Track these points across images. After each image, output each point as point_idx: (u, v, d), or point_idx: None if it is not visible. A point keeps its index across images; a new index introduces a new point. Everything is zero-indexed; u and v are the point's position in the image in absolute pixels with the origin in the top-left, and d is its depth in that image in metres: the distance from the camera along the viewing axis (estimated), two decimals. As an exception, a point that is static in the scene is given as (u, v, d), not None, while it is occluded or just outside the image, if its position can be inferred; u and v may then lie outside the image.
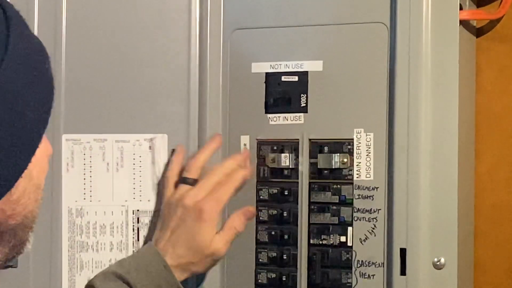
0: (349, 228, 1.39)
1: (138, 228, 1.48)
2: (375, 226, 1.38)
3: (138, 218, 1.48)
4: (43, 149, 0.95)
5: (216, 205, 1.36)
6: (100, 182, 1.47)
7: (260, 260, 1.44)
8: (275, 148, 1.44)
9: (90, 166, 1.46)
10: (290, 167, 1.42)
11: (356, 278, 1.38)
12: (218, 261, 1.39)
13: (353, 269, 1.38)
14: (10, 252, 0.97)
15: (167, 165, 1.45)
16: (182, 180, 1.40)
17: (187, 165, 1.41)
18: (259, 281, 1.44)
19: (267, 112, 1.44)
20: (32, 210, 0.96)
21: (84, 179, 1.46)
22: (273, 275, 1.43)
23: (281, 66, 1.43)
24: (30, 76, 0.90)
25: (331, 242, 1.40)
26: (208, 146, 1.43)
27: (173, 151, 1.45)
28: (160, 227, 1.40)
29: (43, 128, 0.92)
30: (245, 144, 1.46)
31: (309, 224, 1.41)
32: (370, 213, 1.38)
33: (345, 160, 1.39)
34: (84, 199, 1.47)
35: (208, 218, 1.35)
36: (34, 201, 0.95)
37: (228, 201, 1.37)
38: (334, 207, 1.39)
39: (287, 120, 1.43)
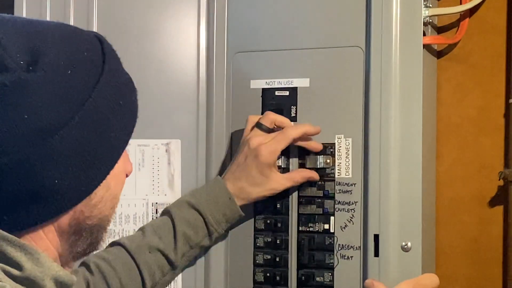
0: (332, 218, 1.38)
1: (156, 218, 1.46)
2: (353, 215, 1.37)
3: (156, 210, 1.48)
4: (122, 166, 0.98)
5: (271, 153, 1.35)
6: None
7: (258, 244, 1.43)
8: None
9: (117, 166, 1.46)
10: (283, 166, 1.41)
11: (338, 259, 1.38)
12: (274, 193, 1.38)
13: (335, 251, 1.38)
14: (87, 248, 1.00)
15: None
16: (257, 124, 1.39)
17: (265, 114, 1.39)
18: (257, 261, 1.43)
19: None
20: (108, 215, 0.99)
21: None
22: (268, 257, 1.42)
23: (275, 83, 1.43)
24: (117, 104, 0.93)
25: (317, 229, 1.39)
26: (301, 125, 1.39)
27: None
28: (232, 160, 1.40)
29: (122, 148, 0.96)
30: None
31: (298, 214, 1.41)
32: (349, 205, 1.37)
33: (328, 161, 1.38)
34: (112, 193, 1.46)
35: (263, 162, 1.35)
36: (110, 208, 0.98)
37: (281, 151, 1.36)
38: (319, 200, 1.39)
39: (280, 128, 1.41)
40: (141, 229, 1.38)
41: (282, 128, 1.37)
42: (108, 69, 0.93)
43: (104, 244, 1.06)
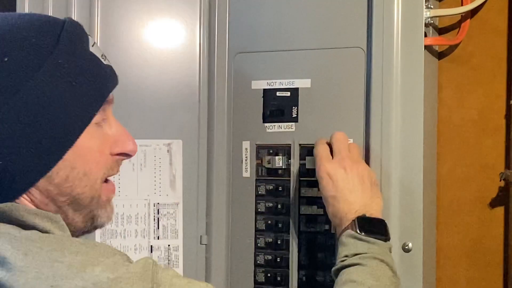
0: (333, 218, 1.38)
1: (158, 218, 1.47)
2: (354, 216, 1.36)
3: (158, 210, 1.48)
4: (92, 144, 0.99)
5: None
6: (127, 179, 1.47)
7: (259, 244, 1.43)
8: (271, 151, 1.43)
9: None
10: (284, 167, 1.42)
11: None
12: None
13: (336, 252, 1.33)
14: (84, 225, 1.02)
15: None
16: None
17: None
18: (258, 262, 1.43)
19: (264, 121, 1.44)
20: (84, 193, 0.99)
21: (114, 177, 1.44)
22: (269, 257, 1.42)
23: (276, 84, 1.43)
24: (68, 84, 0.94)
25: (318, 230, 1.39)
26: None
27: None
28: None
29: (79, 128, 0.96)
30: (246, 148, 1.45)
31: (299, 214, 1.41)
32: (350, 205, 1.37)
33: None
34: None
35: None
36: (82, 186, 0.98)
37: None
38: (320, 201, 1.36)
39: (281, 128, 1.43)
40: None
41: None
42: (59, 51, 0.95)
43: (107, 221, 1.05)
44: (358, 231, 1.22)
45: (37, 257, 0.88)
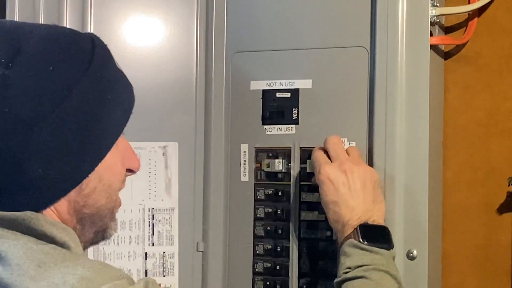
0: (334, 224, 1.37)
1: (153, 224, 1.47)
2: (357, 222, 1.36)
3: (153, 215, 1.47)
4: (119, 158, 1.05)
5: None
6: (120, 183, 1.46)
7: (257, 251, 1.43)
8: (270, 155, 1.43)
9: (112, 170, 1.45)
10: (283, 171, 1.41)
11: (340, 268, 1.36)
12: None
13: (337, 260, 1.33)
14: (94, 237, 1.06)
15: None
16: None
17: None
18: (256, 269, 1.43)
19: (263, 123, 1.44)
20: (105, 204, 1.04)
21: None
22: (269, 265, 1.42)
23: (276, 84, 1.43)
24: (104, 99, 0.99)
25: (319, 237, 1.39)
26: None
27: None
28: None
29: (111, 141, 1.01)
30: (244, 151, 1.45)
31: (300, 220, 1.40)
32: (353, 211, 1.36)
33: None
34: (107, 198, 1.45)
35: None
36: (105, 197, 1.03)
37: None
38: (321, 206, 1.34)
39: (281, 130, 1.42)
40: None
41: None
42: (95, 66, 0.98)
43: (114, 232, 1.09)
44: (361, 240, 1.22)
45: (49, 270, 0.91)
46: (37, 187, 0.95)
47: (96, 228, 1.05)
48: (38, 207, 0.96)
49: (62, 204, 0.99)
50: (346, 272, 1.20)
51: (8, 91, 0.92)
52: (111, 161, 1.02)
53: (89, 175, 0.99)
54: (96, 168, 0.99)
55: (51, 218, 0.97)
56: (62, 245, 0.95)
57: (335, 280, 1.22)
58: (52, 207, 0.98)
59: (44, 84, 0.94)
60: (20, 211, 0.95)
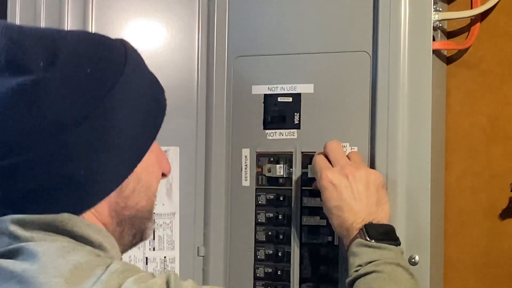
0: (336, 229, 1.37)
1: (154, 229, 1.46)
2: (358, 227, 1.35)
3: (154, 220, 1.45)
4: (153, 159, 1.05)
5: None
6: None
7: (259, 257, 1.42)
8: (271, 159, 1.42)
9: (113, 174, 1.44)
10: (285, 176, 1.41)
11: (342, 273, 1.35)
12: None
13: (339, 265, 1.36)
14: (132, 239, 1.07)
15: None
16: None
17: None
18: (258, 275, 1.42)
19: (265, 128, 1.43)
20: (145, 206, 1.06)
21: None
22: (270, 270, 1.41)
23: (278, 89, 1.42)
24: (139, 102, 1.01)
25: (320, 242, 1.38)
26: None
27: None
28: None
29: (148, 142, 1.03)
30: (246, 156, 1.44)
31: (301, 225, 1.40)
32: (354, 216, 1.36)
33: None
34: (108, 202, 1.44)
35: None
36: (145, 199, 1.05)
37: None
38: (323, 211, 1.35)
39: (282, 135, 1.42)
40: None
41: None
42: (129, 70, 1.00)
43: (151, 233, 1.12)
44: (368, 239, 1.22)
45: (84, 272, 0.91)
46: (79, 189, 0.96)
47: (135, 230, 1.06)
48: (80, 210, 0.97)
49: (103, 207, 1.00)
50: (357, 270, 1.20)
51: (48, 94, 0.93)
52: (148, 162, 1.03)
53: (129, 176, 1.01)
54: (135, 169, 1.01)
55: (88, 220, 0.98)
56: (99, 246, 0.97)
57: (347, 280, 1.21)
58: (93, 210, 0.99)
59: (83, 86, 0.95)
60: (63, 212, 0.96)
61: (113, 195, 1.00)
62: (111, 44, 1.03)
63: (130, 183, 1.01)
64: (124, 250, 1.07)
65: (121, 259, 1.03)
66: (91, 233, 0.97)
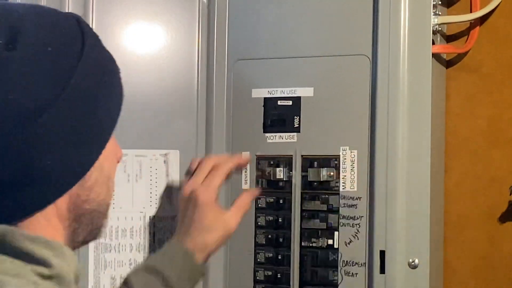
0: (336, 233, 1.37)
1: (154, 232, 1.46)
2: (358, 231, 1.36)
3: (154, 223, 1.46)
4: (113, 147, 0.97)
5: (208, 192, 1.31)
6: (121, 191, 1.44)
7: (258, 260, 1.42)
8: (271, 163, 1.42)
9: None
10: (285, 179, 1.41)
11: (342, 276, 1.36)
12: (229, 237, 1.32)
13: (339, 268, 1.36)
14: (88, 236, 0.97)
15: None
16: (187, 172, 1.38)
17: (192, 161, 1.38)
18: (257, 278, 1.42)
19: (265, 131, 1.43)
20: (105, 199, 0.96)
21: None
22: (270, 273, 1.41)
23: (278, 92, 1.42)
24: (102, 80, 0.91)
25: (320, 245, 1.38)
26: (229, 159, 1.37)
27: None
28: (176, 221, 1.37)
29: (111, 128, 0.94)
30: (246, 159, 1.44)
31: (301, 229, 1.40)
32: (354, 220, 1.36)
33: (331, 173, 1.37)
34: (108, 206, 1.44)
35: (205, 203, 1.30)
36: (106, 190, 0.96)
37: (219, 186, 1.32)
38: (323, 214, 1.38)
39: (282, 138, 1.42)
40: None
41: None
42: (89, 45, 0.90)
43: (105, 232, 1.02)
44: None
45: None
46: (45, 181, 0.87)
47: (92, 226, 0.96)
48: (44, 203, 0.89)
49: (63, 200, 0.90)
50: None
51: (11, 76, 0.84)
52: (109, 150, 0.94)
53: (94, 165, 0.92)
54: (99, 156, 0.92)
55: (48, 216, 0.90)
56: (44, 263, 0.86)
57: None
58: (53, 204, 0.90)
59: (46, 67, 0.86)
60: (25, 207, 0.88)
61: (75, 187, 0.90)
62: (65, 19, 0.92)
63: (93, 172, 0.91)
64: (75, 247, 0.96)
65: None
66: (36, 248, 0.86)
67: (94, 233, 0.98)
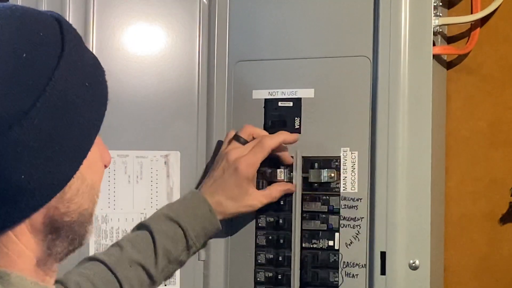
0: (336, 234, 1.37)
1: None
2: (359, 232, 1.35)
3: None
4: (97, 154, 0.92)
5: (250, 166, 1.35)
6: (122, 192, 1.45)
7: (259, 261, 1.42)
8: (272, 164, 1.41)
9: (114, 178, 1.44)
10: (285, 180, 1.40)
11: (342, 277, 1.36)
12: (248, 212, 1.39)
13: (340, 269, 1.36)
14: (69, 245, 0.92)
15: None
16: (235, 137, 1.39)
17: (244, 127, 1.40)
18: (258, 279, 1.42)
19: None
20: (88, 208, 0.91)
21: (109, 189, 1.43)
22: (270, 274, 1.41)
23: (278, 93, 1.42)
24: (83, 86, 0.86)
25: (321, 246, 1.38)
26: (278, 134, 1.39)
27: None
28: (208, 174, 1.40)
29: (94, 135, 0.89)
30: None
31: (302, 230, 1.39)
32: (355, 221, 1.36)
33: (332, 174, 1.37)
34: (109, 207, 1.44)
35: (242, 175, 1.35)
36: (88, 200, 0.91)
37: (260, 162, 1.36)
38: (323, 216, 1.37)
39: None
40: (117, 244, 1.32)
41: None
42: (69, 49, 0.86)
43: (90, 236, 0.94)
44: None
45: None
46: (19, 196, 0.82)
47: (73, 235, 0.91)
48: (16, 220, 0.85)
49: (39, 213, 0.86)
50: None
51: None
52: (92, 158, 0.89)
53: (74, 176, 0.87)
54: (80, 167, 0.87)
55: (19, 233, 0.86)
56: None
57: None
58: (27, 220, 0.85)
59: (20, 74, 0.81)
60: (0, 224, 0.84)
61: (53, 200, 0.85)
62: (44, 21, 0.87)
63: (73, 183, 0.87)
64: (59, 258, 0.92)
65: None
66: None
67: (77, 241, 0.93)
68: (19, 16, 0.86)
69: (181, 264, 1.35)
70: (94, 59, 0.92)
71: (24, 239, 0.87)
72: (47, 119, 0.82)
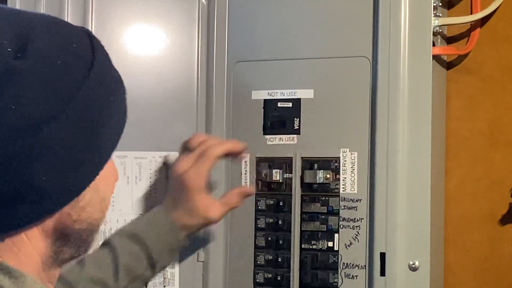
0: (336, 235, 1.37)
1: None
2: (358, 233, 1.35)
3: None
4: (111, 168, 0.94)
5: (196, 177, 1.33)
6: (121, 193, 1.45)
7: (258, 262, 1.42)
8: (271, 165, 1.42)
9: (113, 179, 1.44)
10: (280, 181, 1.41)
11: (342, 279, 1.36)
12: (211, 224, 1.36)
13: (339, 270, 1.36)
14: (76, 252, 0.94)
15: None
16: (182, 147, 1.39)
17: (193, 135, 1.39)
18: (257, 280, 1.42)
19: (265, 133, 1.43)
20: (97, 219, 0.93)
21: None
22: (269, 276, 1.41)
23: (277, 94, 1.42)
24: (107, 100, 0.89)
25: (320, 247, 1.38)
26: (227, 142, 1.38)
27: None
28: (167, 194, 1.38)
29: (112, 148, 0.91)
30: (245, 161, 1.43)
31: (301, 231, 1.39)
32: (354, 222, 1.36)
33: (328, 176, 1.37)
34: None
35: (190, 188, 1.33)
36: (99, 211, 0.93)
37: (208, 172, 1.33)
38: (323, 217, 1.37)
39: (282, 140, 1.41)
40: (79, 262, 1.31)
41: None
42: (98, 64, 0.88)
43: (94, 244, 1.01)
44: None
45: None
46: (37, 197, 0.83)
47: (81, 242, 0.93)
48: (32, 221, 0.85)
49: (52, 218, 0.87)
50: None
51: (17, 85, 0.81)
52: (107, 171, 0.91)
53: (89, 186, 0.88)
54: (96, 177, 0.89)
55: (31, 236, 0.87)
56: None
57: None
58: (40, 224, 0.87)
59: (54, 79, 0.83)
60: (10, 224, 0.84)
61: (67, 206, 0.87)
62: (77, 34, 0.89)
63: (88, 192, 0.88)
64: (61, 265, 0.94)
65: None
66: None
67: (83, 248, 0.94)
68: (54, 25, 0.88)
69: (146, 281, 1.35)
70: (119, 76, 0.94)
71: (34, 241, 0.88)
72: (72, 126, 0.84)
